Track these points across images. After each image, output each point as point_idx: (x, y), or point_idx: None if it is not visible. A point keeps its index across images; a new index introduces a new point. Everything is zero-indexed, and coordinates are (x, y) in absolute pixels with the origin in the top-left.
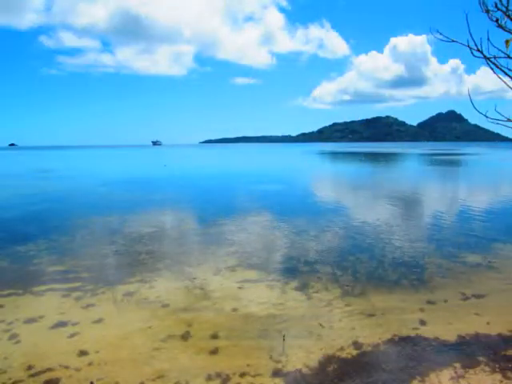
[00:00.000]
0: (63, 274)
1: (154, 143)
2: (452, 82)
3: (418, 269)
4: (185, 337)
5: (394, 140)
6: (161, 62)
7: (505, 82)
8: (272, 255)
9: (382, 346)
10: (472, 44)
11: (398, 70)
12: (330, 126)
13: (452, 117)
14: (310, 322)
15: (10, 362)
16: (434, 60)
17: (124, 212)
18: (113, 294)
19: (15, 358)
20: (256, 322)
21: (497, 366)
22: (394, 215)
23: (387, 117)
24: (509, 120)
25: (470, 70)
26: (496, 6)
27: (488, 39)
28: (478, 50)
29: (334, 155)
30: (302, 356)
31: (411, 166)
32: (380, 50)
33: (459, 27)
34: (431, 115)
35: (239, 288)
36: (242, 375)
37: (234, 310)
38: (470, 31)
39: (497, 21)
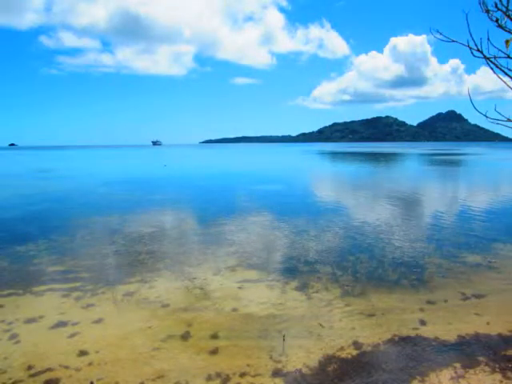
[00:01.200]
0: (63, 274)
1: (154, 143)
2: (452, 82)
3: (418, 269)
4: (185, 337)
5: (393, 140)
6: (161, 62)
7: (505, 82)
8: (272, 255)
9: (382, 346)
10: (472, 44)
11: (397, 70)
12: (330, 126)
13: (452, 117)
14: (310, 322)
15: (9, 362)
16: (434, 60)
17: (124, 212)
18: (113, 294)
19: (15, 358)
20: (256, 322)
21: (497, 366)
22: (394, 215)
23: (387, 117)
24: (509, 120)
25: (470, 69)
26: (496, 6)
27: (488, 39)
28: (478, 50)
29: (334, 155)
30: (302, 356)
31: (411, 166)
32: (380, 50)
33: (459, 27)
34: (431, 115)
35: (239, 288)
36: (242, 375)
37: (234, 309)
38: (470, 31)
39: (497, 21)
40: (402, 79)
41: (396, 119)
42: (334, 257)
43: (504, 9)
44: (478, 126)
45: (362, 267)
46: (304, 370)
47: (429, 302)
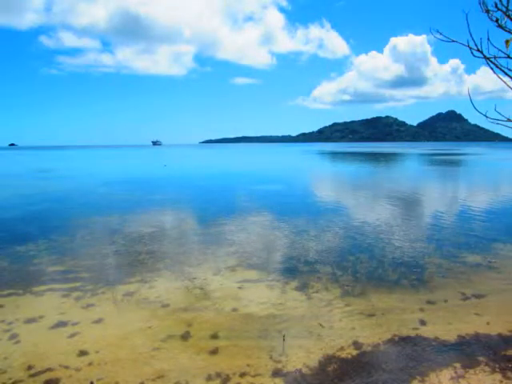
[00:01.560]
0: (63, 274)
1: (154, 143)
2: (452, 82)
3: (418, 269)
4: (185, 337)
5: (394, 140)
6: (161, 62)
7: (505, 82)
8: (272, 255)
9: (382, 346)
10: (472, 44)
11: (397, 70)
12: (330, 126)
13: (452, 117)
14: (310, 322)
15: (9, 362)
16: (434, 60)
17: (124, 212)
18: (113, 294)
19: (15, 358)
20: (256, 322)
21: (497, 366)
22: (394, 215)
23: (387, 117)
24: (509, 120)
25: (470, 69)
26: (496, 6)
27: (488, 39)
28: (478, 50)
29: (334, 155)
30: (302, 356)
31: (411, 166)
32: (380, 50)
33: (459, 27)
34: (431, 115)
35: (239, 288)
36: (242, 375)
37: (234, 309)
38: (470, 31)
39: (497, 21)
40: (401, 79)
41: (396, 119)
42: (334, 257)
43: (504, 9)
44: (478, 126)
45: (362, 267)
46: (304, 370)
47: (429, 302)
